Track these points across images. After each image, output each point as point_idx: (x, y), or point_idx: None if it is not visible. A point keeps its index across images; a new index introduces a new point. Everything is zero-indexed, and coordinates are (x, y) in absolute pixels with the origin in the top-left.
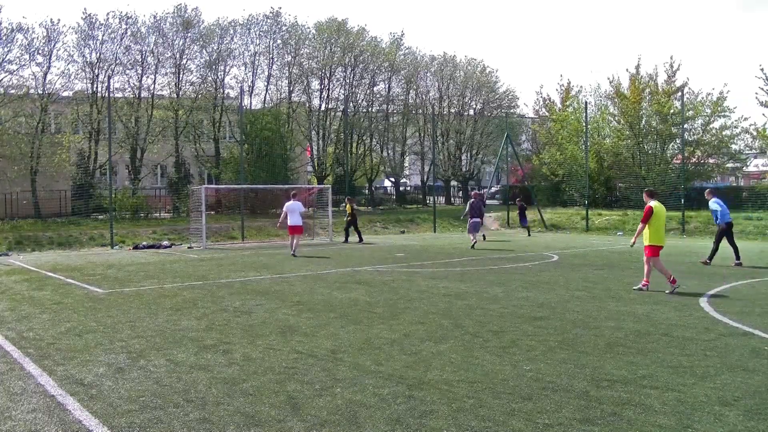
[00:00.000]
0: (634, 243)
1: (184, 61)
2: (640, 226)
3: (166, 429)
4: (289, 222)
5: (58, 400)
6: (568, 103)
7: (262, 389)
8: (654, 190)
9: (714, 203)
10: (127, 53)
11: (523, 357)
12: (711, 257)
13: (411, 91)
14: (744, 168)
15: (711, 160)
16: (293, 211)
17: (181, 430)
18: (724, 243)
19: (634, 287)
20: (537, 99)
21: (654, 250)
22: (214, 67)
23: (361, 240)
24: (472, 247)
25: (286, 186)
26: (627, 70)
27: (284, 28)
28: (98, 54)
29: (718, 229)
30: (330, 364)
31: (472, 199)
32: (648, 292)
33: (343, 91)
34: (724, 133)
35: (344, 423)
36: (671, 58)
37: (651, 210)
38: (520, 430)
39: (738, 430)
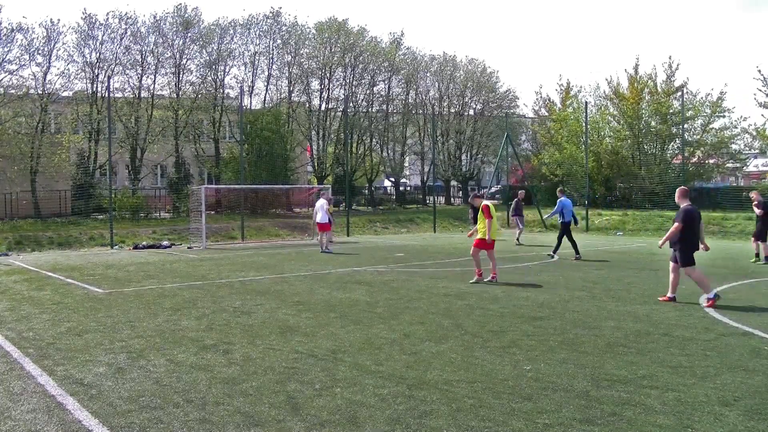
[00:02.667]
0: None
1: (184, 61)
2: (675, 226)
3: (166, 429)
4: (317, 219)
5: (58, 400)
6: (567, 103)
7: (262, 389)
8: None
9: (562, 201)
10: (127, 53)
11: (523, 357)
12: (555, 250)
13: (411, 91)
14: (744, 168)
15: (711, 161)
16: (319, 208)
17: (181, 430)
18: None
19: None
20: (537, 99)
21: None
22: (214, 67)
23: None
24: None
25: (287, 186)
26: (626, 70)
27: (284, 28)
28: (98, 54)
29: (561, 227)
30: (330, 364)
31: (516, 198)
32: (649, 292)
33: (343, 91)
34: (723, 133)
35: (344, 423)
36: (670, 58)
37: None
38: (520, 430)
39: (738, 430)
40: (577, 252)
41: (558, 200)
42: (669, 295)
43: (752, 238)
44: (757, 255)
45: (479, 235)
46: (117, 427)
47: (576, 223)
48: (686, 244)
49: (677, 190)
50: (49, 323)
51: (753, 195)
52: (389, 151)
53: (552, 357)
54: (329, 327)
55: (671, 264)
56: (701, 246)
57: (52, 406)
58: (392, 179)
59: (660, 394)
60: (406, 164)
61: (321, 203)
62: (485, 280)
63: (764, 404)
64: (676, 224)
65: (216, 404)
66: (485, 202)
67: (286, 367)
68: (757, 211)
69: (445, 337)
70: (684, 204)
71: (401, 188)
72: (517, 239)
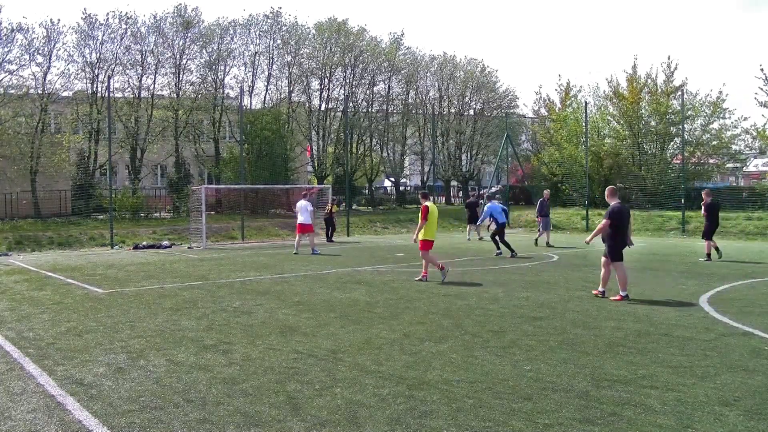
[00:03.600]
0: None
1: (184, 61)
2: (603, 222)
3: (166, 429)
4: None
5: (58, 400)
6: (567, 103)
7: (262, 389)
8: (615, 187)
9: (489, 207)
10: (127, 53)
11: (523, 357)
12: (498, 248)
13: (411, 91)
14: (744, 168)
15: (711, 161)
16: (302, 210)
17: (181, 430)
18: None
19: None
20: (536, 99)
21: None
22: (214, 67)
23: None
24: (535, 243)
25: (287, 186)
26: (624, 70)
27: (284, 28)
28: (98, 54)
29: (496, 228)
30: (330, 364)
31: (542, 198)
32: (649, 292)
33: (343, 91)
34: (723, 133)
35: (344, 423)
36: (669, 58)
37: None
38: (520, 430)
39: (738, 430)
40: (512, 251)
41: (485, 206)
42: (600, 289)
43: (703, 238)
44: (711, 253)
45: (422, 236)
46: (117, 427)
47: (508, 222)
48: (615, 240)
49: (606, 188)
50: (49, 323)
51: (703, 194)
52: (389, 151)
53: (552, 357)
54: (329, 327)
55: (603, 259)
56: (629, 242)
57: (52, 406)
58: (392, 179)
59: (660, 394)
60: (406, 164)
61: (304, 204)
62: (415, 279)
63: (764, 404)
64: (604, 221)
65: (216, 404)
66: (426, 203)
67: (286, 367)
68: (702, 211)
69: (445, 337)
70: (613, 202)
71: (401, 188)
72: (537, 241)
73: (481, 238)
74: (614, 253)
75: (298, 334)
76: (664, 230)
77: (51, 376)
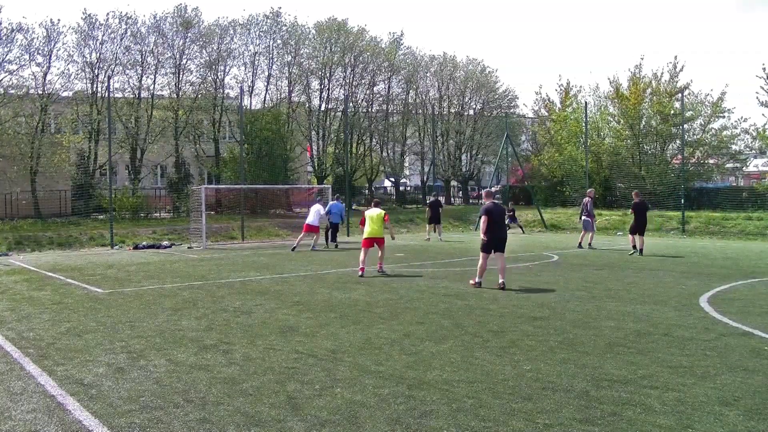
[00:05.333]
0: None
1: (184, 61)
2: (482, 219)
3: (166, 429)
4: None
5: (58, 400)
6: (567, 103)
7: (262, 389)
8: (491, 190)
9: (329, 206)
10: (127, 53)
11: (523, 357)
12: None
13: (411, 91)
14: (744, 168)
15: (711, 161)
16: (315, 212)
17: (181, 430)
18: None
19: (470, 282)
20: (536, 99)
21: None
22: (214, 67)
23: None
24: (579, 246)
25: (287, 186)
26: (628, 69)
27: (284, 28)
28: (98, 54)
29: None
30: (330, 364)
31: (587, 198)
32: (649, 292)
33: (343, 91)
34: (724, 133)
35: (344, 423)
36: (675, 58)
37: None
38: (520, 430)
39: (738, 430)
40: (334, 241)
41: (329, 204)
42: (476, 279)
43: (629, 233)
44: (634, 247)
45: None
46: (117, 427)
47: (343, 222)
48: (486, 234)
49: (483, 191)
50: (49, 323)
51: (633, 195)
52: (389, 151)
53: (552, 357)
54: (329, 327)
55: (482, 253)
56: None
57: (52, 406)
58: (392, 179)
59: (660, 394)
60: (406, 164)
61: (317, 208)
62: (359, 275)
63: (764, 404)
64: (484, 217)
65: (216, 404)
66: (368, 211)
67: (286, 367)
68: (630, 210)
69: (445, 337)
70: (487, 202)
71: (401, 188)
72: (589, 243)
73: (440, 239)
74: (483, 246)
75: (298, 334)
76: (664, 230)
77: (51, 376)
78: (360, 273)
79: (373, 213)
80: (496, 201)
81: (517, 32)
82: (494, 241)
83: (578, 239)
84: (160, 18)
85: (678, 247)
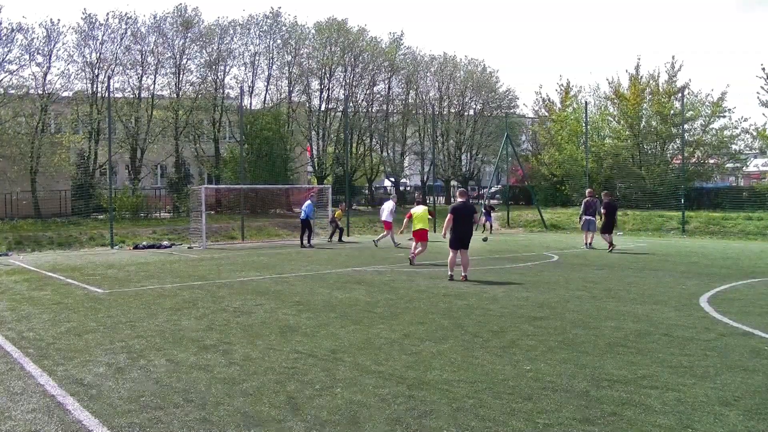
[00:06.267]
0: None
1: (184, 61)
2: (448, 217)
3: (166, 429)
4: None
5: (58, 400)
6: (567, 103)
7: (262, 389)
8: (464, 190)
9: (304, 207)
10: (127, 53)
11: (523, 357)
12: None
13: (411, 91)
14: (744, 168)
15: (711, 161)
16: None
17: (181, 430)
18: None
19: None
20: (536, 99)
21: None
22: (214, 67)
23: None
24: (587, 246)
25: (287, 186)
26: (627, 71)
27: (284, 28)
28: (98, 54)
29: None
30: (330, 364)
31: (588, 198)
32: (649, 292)
33: (343, 91)
34: (724, 133)
35: (344, 423)
36: (673, 58)
37: None
38: (520, 430)
39: (738, 430)
40: (309, 242)
41: (305, 205)
42: (463, 273)
43: (600, 232)
44: (612, 244)
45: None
46: (117, 427)
47: (312, 219)
48: (452, 231)
49: (458, 190)
50: (49, 323)
51: (603, 195)
52: (389, 151)
53: (552, 357)
54: (329, 327)
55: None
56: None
57: (52, 406)
58: (392, 179)
59: (660, 394)
60: (406, 164)
61: (390, 206)
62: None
63: (764, 404)
64: (449, 215)
65: (216, 404)
66: (414, 209)
67: (286, 367)
68: (601, 209)
69: (445, 337)
70: (458, 201)
71: (401, 188)
72: (589, 243)
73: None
74: (451, 242)
75: (298, 334)
76: (664, 230)
77: (51, 376)
78: (411, 259)
79: (418, 210)
80: (465, 200)
81: (517, 32)
82: (457, 239)
83: (584, 239)
84: (160, 18)
85: (678, 247)
